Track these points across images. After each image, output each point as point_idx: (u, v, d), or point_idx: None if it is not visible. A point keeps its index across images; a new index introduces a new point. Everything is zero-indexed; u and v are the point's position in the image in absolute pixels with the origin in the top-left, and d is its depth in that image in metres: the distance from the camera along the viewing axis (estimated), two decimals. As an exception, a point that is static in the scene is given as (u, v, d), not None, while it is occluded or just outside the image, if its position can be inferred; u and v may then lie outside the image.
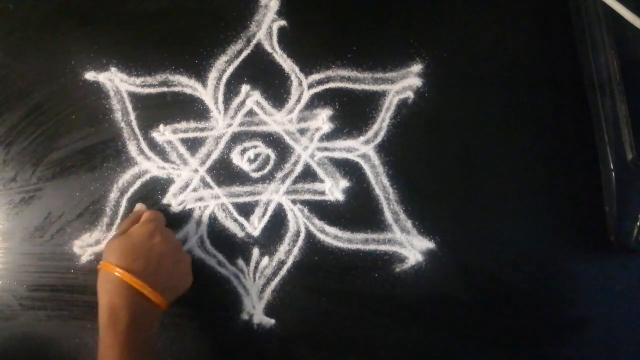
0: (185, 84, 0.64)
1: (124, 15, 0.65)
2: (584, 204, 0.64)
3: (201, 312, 0.61)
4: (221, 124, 0.64)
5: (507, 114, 0.65)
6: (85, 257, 0.62)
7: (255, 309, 0.61)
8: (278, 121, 0.64)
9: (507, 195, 0.64)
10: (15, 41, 0.65)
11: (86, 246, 0.62)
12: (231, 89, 0.65)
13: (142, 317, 0.51)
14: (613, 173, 0.61)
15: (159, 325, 0.54)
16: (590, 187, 0.63)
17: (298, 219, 0.63)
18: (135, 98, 0.64)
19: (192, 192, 0.63)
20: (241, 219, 0.63)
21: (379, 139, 0.64)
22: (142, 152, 0.63)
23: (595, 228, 0.63)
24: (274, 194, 0.63)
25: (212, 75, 0.65)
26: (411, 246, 0.62)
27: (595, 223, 0.63)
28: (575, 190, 0.64)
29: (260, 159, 0.64)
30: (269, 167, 0.64)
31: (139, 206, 0.62)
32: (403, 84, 0.65)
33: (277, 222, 0.63)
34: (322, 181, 0.64)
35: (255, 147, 0.64)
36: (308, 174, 0.64)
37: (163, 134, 0.63)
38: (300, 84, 0.65)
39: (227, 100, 0.64)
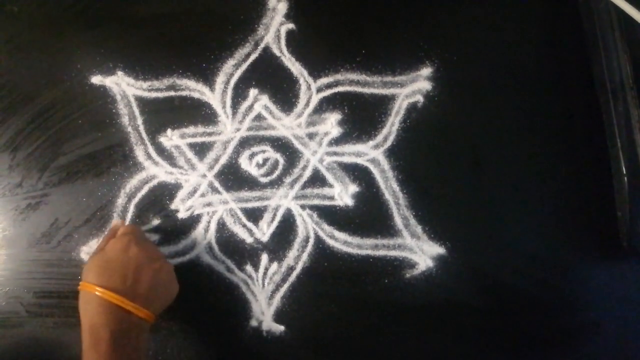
0: (193, 88, 0.64)
1: (130, 18, 0.65)
2: (596, 209, 0.63)
3: (210, 319, 0.61)
4: (229, 128, 0.64)
5: (518, 118, 0.65)
6: (93, 263, 0.61)
7: (265, 316, 0.61)
8: (287, 125, 0.64)
9: (518, 200, 0.63)
10: (20, 44, 0.65)
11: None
12: (239, 93, 0.64)
13: (126, 332, 0.50)
14: (625, 178, 0.60)
15: (147, 338, 0.52)
16: (602, 192, 0.63)
17: (307, 225, 0.62)
18: (142, 102, 0.63)
19: (200, 197, 0.62)
20: (250, 225, 0.62)
21: (389, 143, 0.64)
22: (149, 157, 0.63)
23: (608, 233, 0.62)
24: (283, 199, 0.63)
25: (220, 79, 0.64)
26: (421, 252, 0.62)
27: (608, 228, 0.62)
28: (587, 196, 0.63)
29: (268, 164, 0.63)
30: (277, 172, 0.63)
31: (115, 222, 0.60)
32: (412, 88, 0.64)
33: (286, 228, 0.62)
34: (331, 186, 0.63)
35: (264, 151, 0.63)
36: (317, 179, 0.63)
37: (171, 138, 0.63)
38: (308, 87, 0.64)
39: (235, 105, 0.64)
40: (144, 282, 0.52)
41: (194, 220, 0.62)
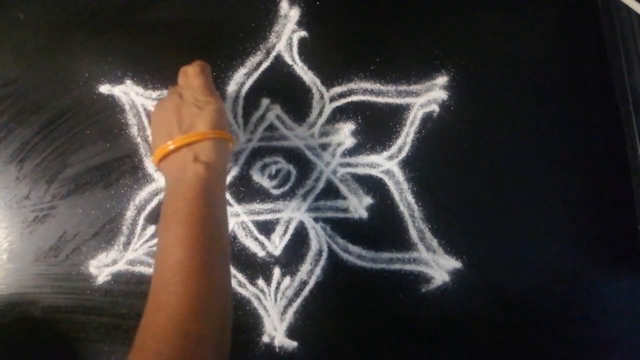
0: (203, 97, 0.62)
1: (139, 26, 0.63)
2: (616, 223, 0.62)
3: (221, 334, 0.60)
4: (241, 139, 0.62)
5: (536, 129, 0.63)
6: (102, 277, 0.60)
7: (277, 331, 0.59)
8: (299, 136, 0.62)
9: (536, 213, 0.62)
10: (26, 52, 0.63)
11: (103, 266, 0.60)
12: (250, 103, 0.63)
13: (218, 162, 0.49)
14: (647, 191, 0.59)
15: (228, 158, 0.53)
16: (622, 205, 0.61)
17: (320, 238, 0.61)
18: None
19: (211, 209, 0.61)
20: (262, 238, 0.61)
21: (403, 154, 0.62)
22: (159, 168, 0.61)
23: (628, 247, 0.61)
24: (296, 212, 0.61)
25: (231, 88, 0.62)
26: (437, 266, 0.60)
27: (628, 242, 0.61)
28: (607, 209, 0.62)
29: (281, 175, 0.62)
30: (290, 184, 0.62)
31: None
32: (428, 97, 0.63)
33: (299, 241, 0.61)
34: (344, 198, 0.62)
35: (276, 162, 0.62)
36: (330, 191, 0.62)
37: (181, 149, 0.61)
38: (321, 97, 0.63)
39: (247, 114, 0.62)
40: (188, 111, 0.50)
41: (204, 233, 0.61)
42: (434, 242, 0.61)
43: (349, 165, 0.62)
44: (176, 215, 0.45)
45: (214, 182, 0.48)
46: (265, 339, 0.59)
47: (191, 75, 0.53)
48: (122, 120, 0.62)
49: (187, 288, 0.41)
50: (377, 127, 0.63)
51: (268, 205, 0.61)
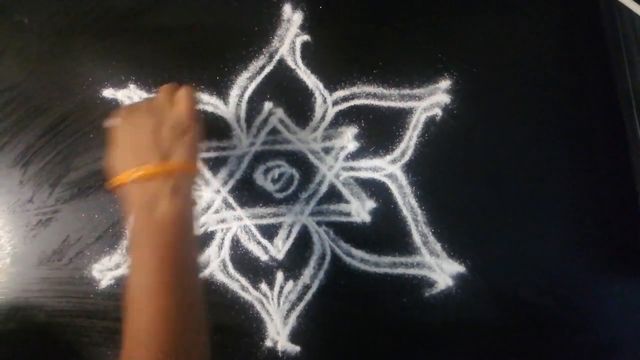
0: (206, 101, 0.62)
1: (142, 30, 0.63)
2: (619, 226, 0.61)
3: (224, 338, 0.59)
4: (244, 142, 0.62)
5: (538, 132, 0.63)
6: (105, 281, 0.60)
7: (280, 335, 0.59)
8: (302, 140, 0.62)
9: (539, 217, 0.62)
10: (29, 56, 0.64)
11: (106, 270, 0.60)
12: (253, 107, 0.63)
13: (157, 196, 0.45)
14: (651, 195, 0.58)
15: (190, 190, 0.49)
16: (626, 209, 0.61)
17: (323, 242, 0.61)
18: (154, 116, 0.62)
19: (214, 213, 0.61)
20: (265, 242, 0.61)
21: (407, 158, 0.62)
22: (162, 172, 0.61)
23: (630, 251, 0.61)
24: (299, 216, 0.61)
25: (234, 92, 0.63)
26: (441, 270, 0.60)
27: (630, 246, 0.61)
28: (611, 213, 0.61)
29: (284, 179, 0.62)
30: (293, 188, 0.62)
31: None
32: (431, 101, 0.63)
33: (302, 245, 0.61)
34: (347, 202, 0.62)
35: (279, 166, 0.62)
36: (333, 195, 0.62)
37: (184, 153, 0.61)
38: (324, 101, 0.63)
39: (250, 118, 0.62)
40: (146, 139, 0.47)
41: (207, 237, 0.61)
42: (438, 246, 0.61)
43: (351, 169, 0.62)
44: (149, 248, 0.44)
45: (189, 220, 0.46)
46: (268, 343, 0.59)
47: (180, 96, 0.50)
48: (126, 124, 0.62)
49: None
50: (380, 131, 0.62)
51: (271, 209, 0.61)
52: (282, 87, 0.63)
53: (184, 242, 0.45)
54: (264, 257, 0.61)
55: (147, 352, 0.41)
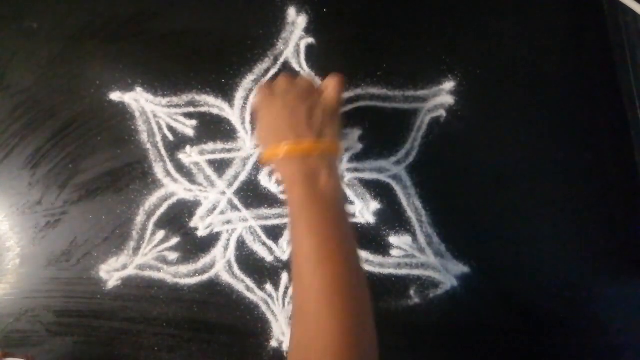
0: (212, 104, 0.63)
1: (149, 34, 0.64)
2: (624, 228, 0.61)
3: (230, 339, 0.60)
4: (249, 144, 0.63)
5: (543, 133, 0.63)
6: (112, 282, 0.60)
7: (285, 336, 0.60)
8: (307, 141, 0.63)
9: (544, 218, 0.62)
10: (40, 61, 0.64)
11: (113, 271, 0.61)
12: (259, 109, 0.63)
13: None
14: (657, 196, 0.58)
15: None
16: (630, 210, 0.61)
17: (328, 243, 0.61)
18: (161, 118, 0.63)
19: (220, 215, 0.62)
20: (270, 243, 0.61)
21: (411, 159, 0.62)
22: (168, 174, 0.62)
23: (636, 253, 0.60)
24: (303, 217, 0.61)
25: (239, 94, 0.63)
26: (446, 271, 0.60)
27: (636, 248, 0.60)
28: (615, 214, 0.61)
29: (288, 181, 0.62)
30: (297, 189, 0.62)
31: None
32: (435, 102, 0.63)
33: (307, 246, 0.61)
34: (352, 203, 0.62)
35: (284, 168, 0.62)
36: (338, 196, 0.62)
37: (190, 155, 0.62)
38: (329, 103, 0.63)
39: (255, 121, 0.63)
40: (300, 115, 0.51)
41: (213, 238, 0.61)
42: (442, 247, 0.61)
43: (356, 170, 0.62)
44: (318, 218, 0.47)
45: (344, 192, 0.51)
46: (274, 343, 0.60)
47: (329, 83, 0.54)
48: (133, 127, 0.63)
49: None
50: (385, 133, 0.63)
51: (276, 210, 0.62)
52: (286, 89, 0.63)
53: (344, 212, 0.50)
54: (269, 258, 0.61)
55: (318, 326, 0.42)
